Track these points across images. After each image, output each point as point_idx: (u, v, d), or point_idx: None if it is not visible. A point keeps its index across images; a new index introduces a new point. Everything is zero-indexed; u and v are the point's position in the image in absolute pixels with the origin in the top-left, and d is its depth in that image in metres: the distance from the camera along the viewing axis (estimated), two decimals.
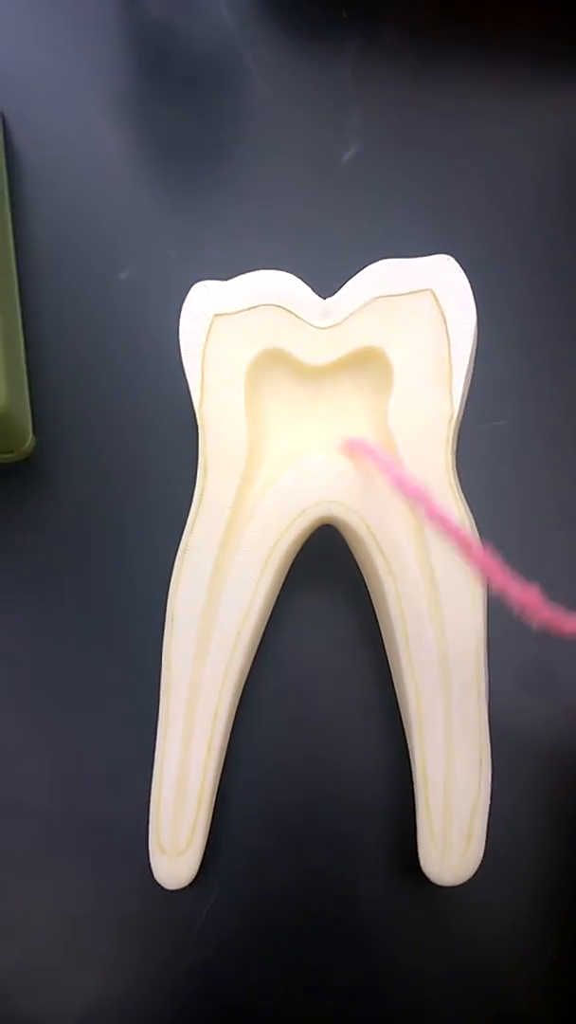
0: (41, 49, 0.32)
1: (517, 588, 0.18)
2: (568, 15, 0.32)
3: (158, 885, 0.21)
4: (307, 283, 0.24)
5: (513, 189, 0.29)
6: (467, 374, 0.23)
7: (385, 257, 0.24)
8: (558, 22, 0.32)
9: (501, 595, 0.18)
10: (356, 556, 0.24)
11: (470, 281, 0.24)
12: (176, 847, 0.21)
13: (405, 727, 0.22)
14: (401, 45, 0.32)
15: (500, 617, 0.22)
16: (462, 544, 0.18)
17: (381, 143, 0.30)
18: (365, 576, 0.24)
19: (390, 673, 0.23)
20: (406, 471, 0.21)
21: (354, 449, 0.22)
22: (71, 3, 0.33)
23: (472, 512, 0.22)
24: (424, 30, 0.32)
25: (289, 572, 0.24)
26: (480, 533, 0.22)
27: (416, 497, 0.19)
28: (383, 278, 0.24)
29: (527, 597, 0.17)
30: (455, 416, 0.22)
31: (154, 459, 0.26)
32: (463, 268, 0.24)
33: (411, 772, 0.21)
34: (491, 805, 0.20)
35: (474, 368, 0.24)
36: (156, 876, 0.21)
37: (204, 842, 0.21)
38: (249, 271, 0.24)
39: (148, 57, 0.32)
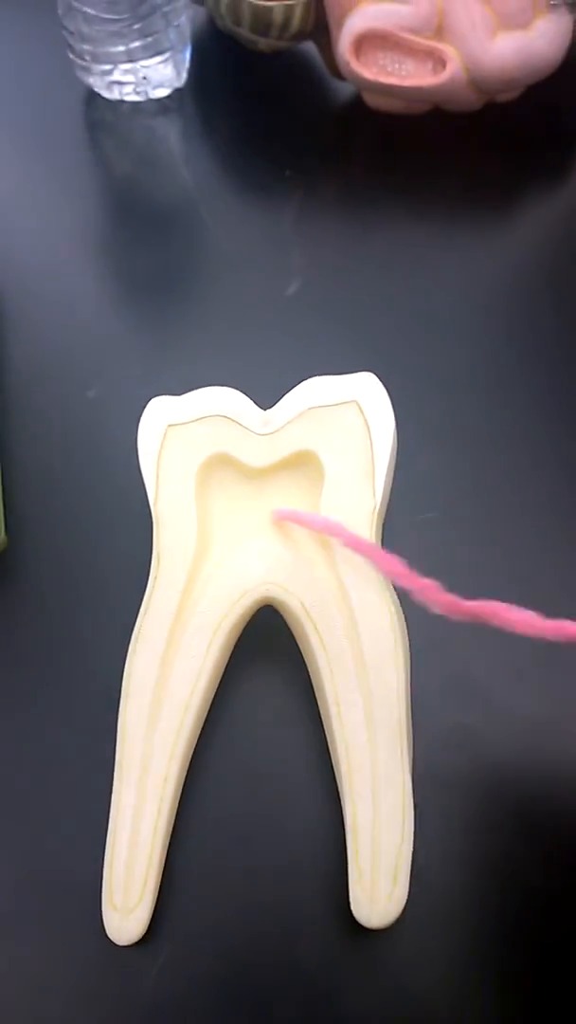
0: (23, 201, 0.37)
1: (419, 582, 0.21)
2: (484, 171, 0.37)
3: (112, 943, 0.23)
4: (250, 397, 0.28)
5: (432, 315, 0.33)
6: (388, 471, 0.26)
7: (319, 374, 0.28)
8: (474, 178, 0.37)
9: (408, 592, 0.21)
10: (294, 633, 0.26)
11: (394, 394, 0.27)
12: (127, 905, 0.23)
13: (337, 782, 0.24)
14: (337, 198, 0.37)
15: (426, 684, 0.25)
16: (373, 555, 0.22)
17: (319, 278, 0.34)
18: (302, 649, 0.26)
19: (325, 736, 0.25)
20: (324, 519, 0.24)
21: (283, 517, 0.25)
22: (50, 161, 0.38)
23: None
24: (356, 185, 0.37)
25: (235, 648, 0.26)
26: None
27: (333, 532, 0.23)
28: (315, 392, 0.27)
29: (426, 587, 0.20)
30: (377, 506, 0.26)
31: (115, 552, 0.29)
32: (387, 383, 0.27)
33: (343, 824, 0.23)
34: (418, 853, 0.22)
35: (404, 468, 0.27)
36: (108, 932, 0.23)
37: (154, 899, 0.23)
38: (201, 387, 0.28)
39: (118, 208, 0.37)
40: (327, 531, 0.23)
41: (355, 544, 0.23)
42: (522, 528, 0.29)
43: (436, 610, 0.21)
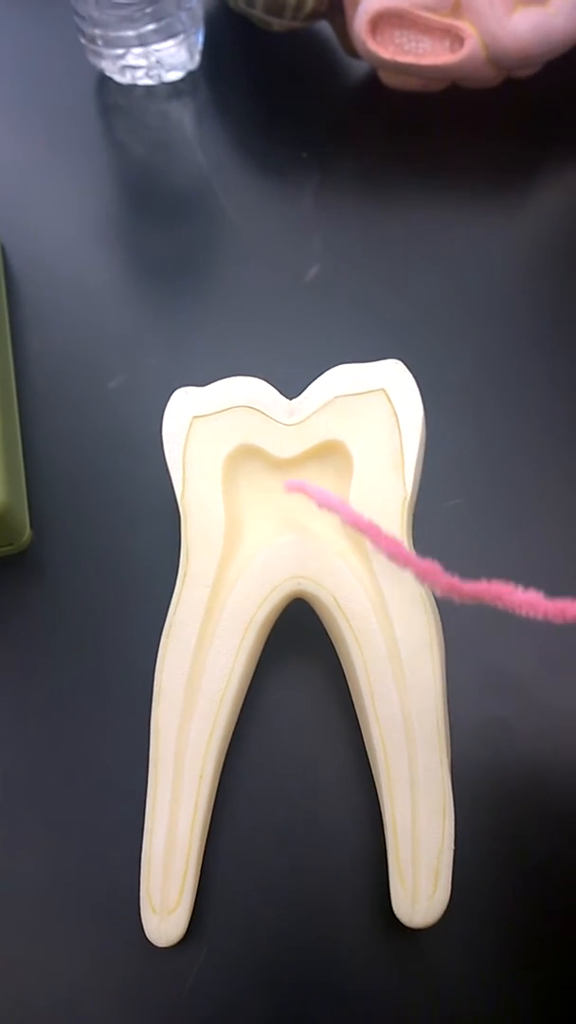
0: (37, 188, 0.36)
1: (419, 563, 0.20)
2: (503, 149, 0.36)
3: (150, 944, 0.22)
4: (275, 386, 0.27)
5: (454, 299, 0.33)
6: (417, 461, 0.26)
7: (343, 362, 0.27)
8: (494, 157, 0.36)
9: (423, 579, 0.20)
10: (326, 627, 0.26)
11: (419, 380, 0.27)
12: (166, 906, 0.23)
13: (375, 780, 0.24)
14: (354, 179, 0.36)
15: (460, 678, 0.25)
16: (370, 532, 0.21)
17: (339, 263, 0.34)
18: (335, 644, 0.26)
19: (361, 732, 0.25)
20: (324, 493, 0.23)
21: (292, 488, 0.24)
22: (64, 147, 0.38)
23: None
24: (374, 166, 0.36)
25: (267, 643, 0.26)
26: (441, 600, 0.24)
27: (332, 507, 0.22)
28: (342, 380, 0.27)
29: (427, 569, 0.20)
30: (408, 497, 0.25)
31: (141, 546, 0.28)
32: (412, 369, 0.27)
33: (382, 822, 0.23)
34: (457, 852, 0.22)
35: (429, 455, 0.27)
36: (147, 935, 0.22)
37: (193, 901, 0.23)
38: (224, 377, 0.27)
39: (133, 194, 0.36)
40: (326, 505, 0.22)
41: (354, 520, 0.22)
42: (548, 515, 0.29)
43: (437, 592, 0.20)
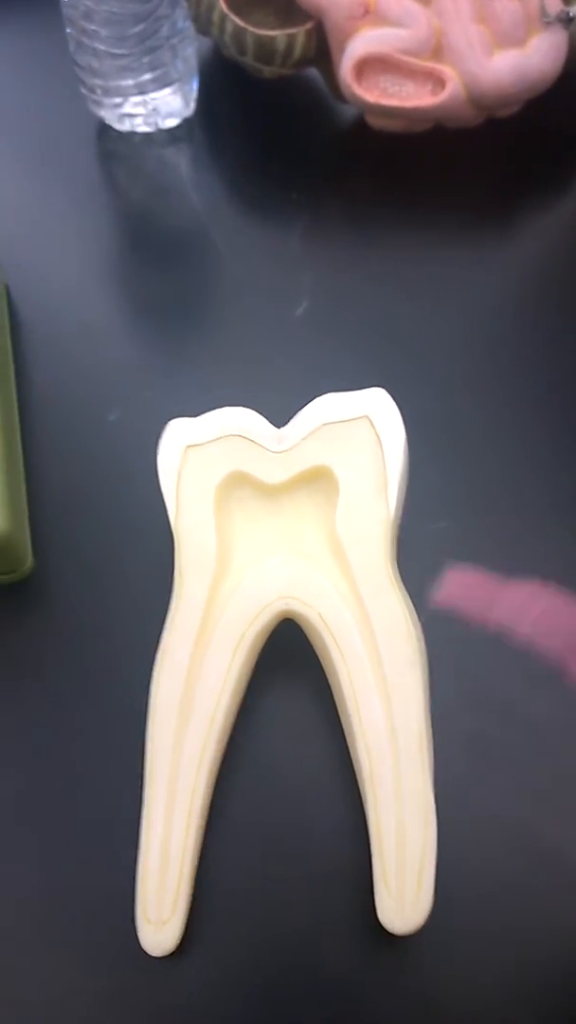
0: (41, 231, 0.38)
1: None
2: (485, 186, 0.38)
3: (146, 954, 0.23)
4: (264, 415, 0.28)
5: (436, 331, 0.34)
6: (401, 484, 0.27)
7: (330, 391, 0.28)
8: (477, 194, 0.38)
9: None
10: (313, 644, 0.27)
11: (403, 409, 0.28)
12: (160, 917, 0.23)
13: (360, 789, 0.24)
14: (342, 218, 0.38)
15: (445, 694, 0.26)
16: None
17: (327, 299, 0.35)
18: (321, 661, 0.27)
19: (347, 744, 0.26)
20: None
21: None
22: (66, 192, 0.39)
23: (416, 599, 0.26)
24: (361, 205, 0.38)
25: (258, 662, 0.27)
26: (426, 619, 0.25)
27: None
28: (328, 408, 0.28)
29: None
30: (391, 518, 0.26)
31: (138, 571, 0.30)
32: (396, 398, 0.28)
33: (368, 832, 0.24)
34: (442, 862, 0.23)
35: (413, 481, 0.28)
36: (143, 945, 0.23)
37: (187, 911, 0.24)
38: (216, 408, 0.29)
39: (131, 235, 0.38)
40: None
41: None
42: (530, 536, 0.30)
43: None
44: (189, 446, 0.28)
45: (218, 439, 0.28)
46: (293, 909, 0.25)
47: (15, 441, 0.31)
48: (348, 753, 0.26)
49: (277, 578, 0.26)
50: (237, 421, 0.28)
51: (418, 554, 0.28)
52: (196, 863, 0.24)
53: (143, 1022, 0.24)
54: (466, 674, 0.27)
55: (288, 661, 0.27)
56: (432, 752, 0.24)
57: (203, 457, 0.28)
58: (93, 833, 0.26)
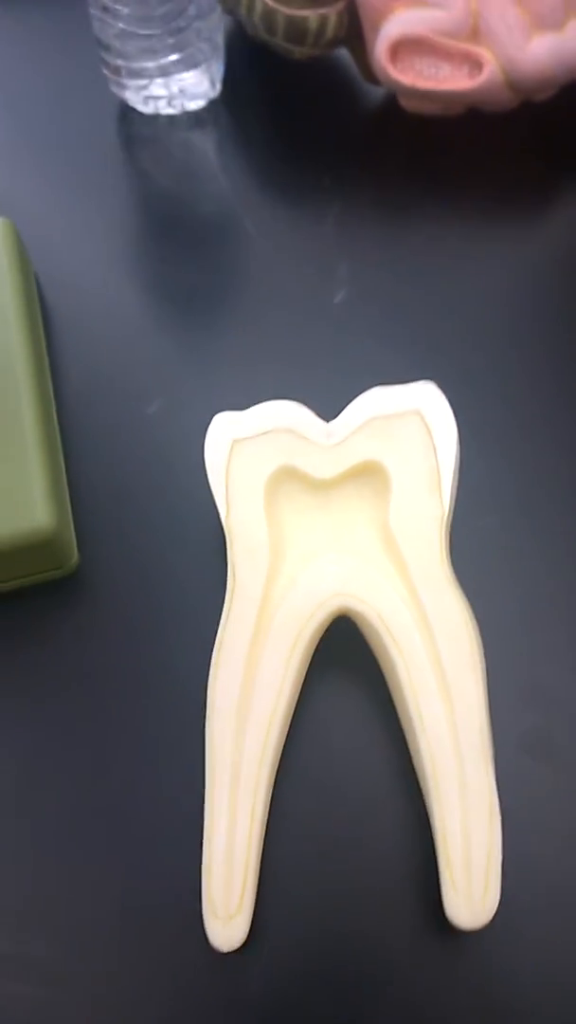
0: (67, 218, 0.37)
1: None
2: (522, 170, 0.37)
3: (214, 950, 0.23)
4: (311, 409, 0.28)
5: (481, 319, 0.34)
6: (453, 480, 0.27)
7: (377, 383, 0.28)
8: (513, 178, 0.37)
9: None
10: (370, 643, 0.27)
11: (449, 400, 0.28)
12: (228, 912, 0.24)
13: (423, 789, 0.25)
14: (376, 204, 0.37)
15: (502, 691, 0.26)
16: None
17: (366, 287, 0.35)
18: (379, 660, 0.27)
19: (406, 743, 0.26)
20: None
21: None
22: (91, 177, 0.39)
23: (470, 597, 0.26)
24: (395, 189, 0.37)
25: (313, 658, 0.27)
26: (478, 616, 0.25)
27: None
28: (377, 402, 0.28)
29: None
30: (445, 515, 0.26)
31: (186, 566, 0.29)
32: (442, 389, 0.28)
33: (430, 829, 0.24)
34: (506, 860, 0.23)
35: (462, 474, 0.28)
36: (211, 941, 0.23)
37: (252, 905, 0.24)
38: (258, 401, 0.28)
39: (160, 221, 0.37)
40: None
41: None
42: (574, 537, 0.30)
43: None
44: (236, 440, 0.28)
45: (266, 433, 0.28)
46: (356, 904, 0.25)
47: (55, 435, 0.31)
48: (406, 750, 0.26)
49: (333, 575, 0.26)
50: (286, 415, 0.28)
51: (466, 550, 0.28)
52: (260, 858, 0.24)
53: (213, 1018, 0.24)
54: (523, 670, 0.27)
55: (346, 658, 0.27)
56: (493, 748, 0.24)
57: (251, 451, 0.28)
58: (153, 832, 0.26)
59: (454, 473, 0.27)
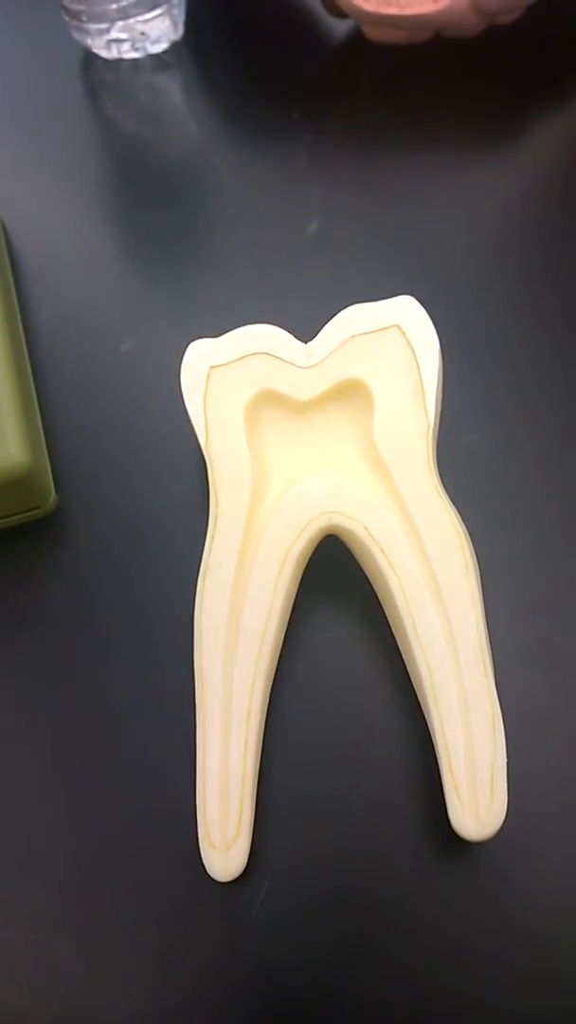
0: (33, 166, 0.37)
1: None
2: (490, 93, 0.37)
3: (212, 881, 0.23)
4: (288, 332, 0.27)
5: (455, 239, 0.33)
6: (437, 392, 0.26)
7: (354, 303, 0.27)
8: (481, 101, 0.36)
9: None
10: (359, 559, 0.26)
11: (432, 317, 0.27)
12: (225, 841, 0.23)
13: (422, 704, 0.24)
14: (346, 134, 0.36)
15: (500, 605, 0.25)
16: None
17: (338, 215, 0.34)
18: (369, 575, 0.26)
19: (402, 661, 0.25)
20: None
21: None
22: (55, 124, 0.38)
23: (463, 513, 0.25)
24: (364, 119, 0.37)
25: (302, 580, 0.26)
26: (472, 532, 0.24)
27: None
28: (355, 320, 0.27)
29: None
30: (431, 427, 0.25)
31: (166, 499, 0.29)
32: (424, 307, 0.27)
33: (431, 744, 0.23)
34: (510, 772, 0.22)
35: (449, 392, 0.27)
36: (209, 871, 0.23)
37: (250, 834, 0.23)
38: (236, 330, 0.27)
39: (128, 166, 0.37)
40: None
41: None
42: (565, 448, 0.29)
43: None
44: (213, 367, 0.27)
45: (243, 358, 0.27)
46: (358, 822, 0.24)
47: (27, 375, 0.30)
48: (403, 669, 0.25)
49: (318, 493, 0.25)
50: (262, 338, 0.27)
51: (452, 468, 0.27)
52: (256, 784, 0.24)
53: (216, 950, 0.23)
54: (520, 584, 0.27)
55: (333, 580, 0.26)
56: (493, 662, 0.23)
57: (229, 377, 0.27)
58: (148, 763, 0.25)
59: (437, 385, 0.26)
